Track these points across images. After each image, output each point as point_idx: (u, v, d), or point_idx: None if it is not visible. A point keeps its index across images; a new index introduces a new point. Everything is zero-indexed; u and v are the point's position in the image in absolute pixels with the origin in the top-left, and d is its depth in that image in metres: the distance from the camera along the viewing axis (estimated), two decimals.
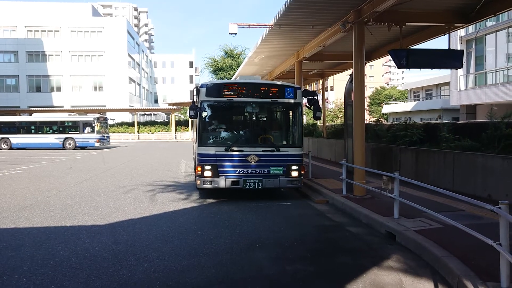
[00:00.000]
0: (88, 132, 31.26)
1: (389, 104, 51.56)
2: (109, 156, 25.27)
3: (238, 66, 37.36)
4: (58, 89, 56.91)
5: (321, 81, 23.89)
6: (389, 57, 13.09)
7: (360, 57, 9.89)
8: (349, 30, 10.30)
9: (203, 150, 9.55)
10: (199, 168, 9.54)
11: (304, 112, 14.24)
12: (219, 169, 9.43)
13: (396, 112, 46.05)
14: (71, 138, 31.29)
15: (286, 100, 9.86)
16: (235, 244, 6.46)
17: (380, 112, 52.65)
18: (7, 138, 31.53)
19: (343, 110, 12.69)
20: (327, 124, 25.00)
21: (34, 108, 49.24)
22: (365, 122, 11.08)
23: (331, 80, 61.70)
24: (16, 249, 6.10)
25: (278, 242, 6.62)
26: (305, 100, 10.37)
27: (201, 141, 9.66)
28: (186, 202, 9.80)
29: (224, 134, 10.22)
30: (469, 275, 4.58)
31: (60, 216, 8.29)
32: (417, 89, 48.92)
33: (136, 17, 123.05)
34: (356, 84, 9.84)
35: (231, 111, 10.43)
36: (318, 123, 24.45)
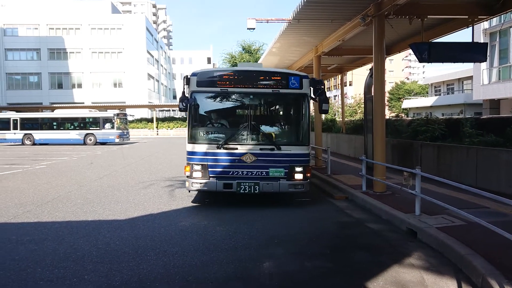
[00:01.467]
0: (108, 128, 31.73)
1: (410, 99, 50.80)
2: (129, 151, 25.59)
3: (256, 62, 37.30)
4: (79, 85, 57.88)
5: (339, 76, 23.64)
6: (409, 51, 12.86)
7: (380, 51, 9.73)
8: (369, 23, 10.14)
9: (193, 147, 8.62)
10: (187, 168, 8.64)
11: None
12: (209, 169, 8.45)
13: (417, 107, 45.35)
14: (92, 134, 31.80)
15: (290, 91, 8.62)
16: (253, 240, 6.45)
17: (400, 107, 51.91)
18: (30, 134, 32.25)
19: (362, 105, 12.52)
20: (346, 119, 24.76)
21: (56, 105, 50.22)
22: (385, 117, 10.90)
23: (349, 75, 61.07)
24: (39, 242, 6.22)
25: (297, 238, 6.59)
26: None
27: (191, 137, 8.69)
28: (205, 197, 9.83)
29: (216, 129, 9.12)
30: (494, 274, 4.47)
31: (81, 210, 8.42)
32: (438, 83, 48.03)
33: (154, 14, 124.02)
34: (376, 79, 9.69)
35: (225, 103, 9.22)
36: (337, 119, 24.23)
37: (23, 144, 32.13)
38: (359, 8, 10.35)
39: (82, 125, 32.24)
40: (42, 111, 43.42)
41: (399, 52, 15.74)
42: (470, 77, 34.10)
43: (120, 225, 7.31)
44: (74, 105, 51.09)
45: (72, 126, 32.35)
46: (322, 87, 8.82)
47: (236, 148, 8.42)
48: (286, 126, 9.66)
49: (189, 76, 8.68)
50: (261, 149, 8.43)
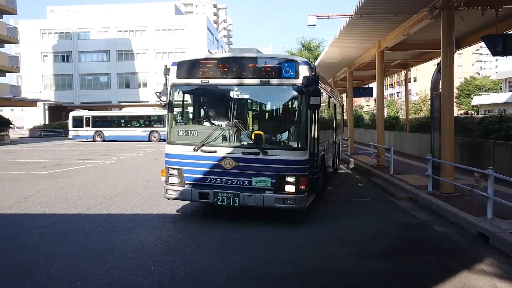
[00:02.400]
0: None
1: (480, 95, 47.83)
2: None
3: (316, 59, 36.91)
4: (145, 85, 60.51)
5: (404, 72, 22.75)
6: (481, 44, 12.09)
7: (449, 45, 9.23)
8: (436, 16, 9.65)
9: (170, 149, 7.54)
10: (163, 172, 7.60)
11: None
12: (185, 175, 7.31)
13: (488, 104, 42.65)
14: (156, 131, 33.15)
15: (282, 81, 6.96)
16: (313, 238, 6.41)
17: (470, 104, 49.05)
18: (101, 131, 34.25)
19: (428, 103, 11.94)
20: (409, 117, 23.81)
21: (123, 103, 52.90)
22: (454, 114, 10.32)
23: (414, 71, 58.62)
24: (109, 233, 6.60)
25: (358, 238, 6.45)
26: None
27: (169, 137, 7.63)
28: None
29: (194, 128, 7.70)
30: None
31: (147, 204, 8.81)
32: None
33: (215, 14, 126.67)
34: (445, 74, 9.21)
35: (206, 98, 8.14)
36: (400, 116, 23.37)
37: (94, 140, 34.19)
38: (426, 0, 9.88)
39: (147, 122, 33.72)
40: (111, 110, 45.95)
41: (470, 46, 14.85)
42: None
43: (183, 218, 7.56)
44: (140, 103, 53.54)
45: (138, 124, 33.92)
46: (314, 75, 6.79)
47: (215, 151, 7.12)
48: (277, 126, 7.87)
49: (168, 67, 7.67)
50: (243, 153, 7.00)
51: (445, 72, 9.22)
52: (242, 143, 7.15)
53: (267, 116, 8.28)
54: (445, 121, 9.19)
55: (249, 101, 7.81)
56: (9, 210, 8.30)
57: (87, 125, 34.61)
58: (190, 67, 7.51)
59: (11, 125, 42.48)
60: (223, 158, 7.04)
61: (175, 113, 7.78)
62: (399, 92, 62.82)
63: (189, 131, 7.60)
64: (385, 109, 37.11)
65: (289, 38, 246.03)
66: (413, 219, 7.70)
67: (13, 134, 43.17)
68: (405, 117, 22.63)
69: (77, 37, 60.25)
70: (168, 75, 7.60)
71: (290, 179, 6.80)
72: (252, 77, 7.10)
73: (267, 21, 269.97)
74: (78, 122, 34.92)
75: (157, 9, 63.21)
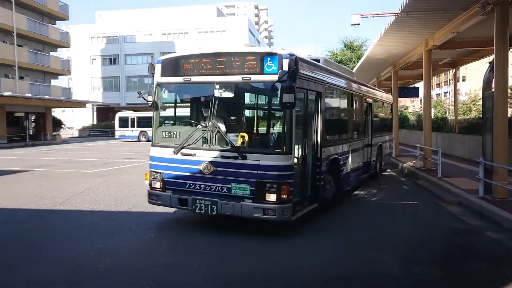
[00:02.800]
0: None
1: None
2: None
3: (359, 58, 36.26)
4: None
5: (452, 71, 21.90)
6: None
7: (503, 42, 8.77)
8: (489, 12, 9.20)
9: (154, 151, 7.19)
10: (147, 176, 7.24)
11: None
12: (165, 179, 6.91)
13: None
14: None
15: (265, 77, 6.25)
16: (358, 241, 6.29)
17: None
18: (145, 131, 35.24)
19: (478, 103, 11.42)
20: (459, 118, 22.88)
21: None
22: (508, 115, 9.80)
23: (462, 70, 56.41)
24: (154, 231, 6.80)
25: (405, 242, 6.27)
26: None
27: (154, 138, 7.40)
28: None
29: (176, 130, 7.30)
30: None
31: None
32: None
33: (256, 15, 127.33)
34: (498, 73, 8.76)
35: (189, 97, 7.75)
36: (448, 117, 22.50)
37: (139, 140, 35.25)
38: None
39: None
40: None
41: None
42: None
43: (223, 218, 7.60)
44: None
45: None
46: (290, 68, 5.92)
47: (194, 155, 6.61)
48: (259, 127, 7.52)
49: (153, 64, 7.28)
50: (221, 156, 6.44)
51: (499, 70, 8.78)
52: (221, 146, 6.57)
53: (248, 117, 7.82)
54: (498, 122, 8.75)
55: (230, 100, 7.12)
56: (61, 206, 8.71)
57: (132, 126, 35.74)
58: (173, 65, 7.09)
59: (62, 126, 44.58)
60: (202, 162, 6.52)
61: (159, 114, 7.51)
62: (447, 92, 60.57)
63: (170, 133, 7.25)
64: (432, 110, 35.94)
65: (331, 38, 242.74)
66: (463, 224, 7.38)
67: (64, 134, 45.34)
68: (453, 118, 21.77)
69: (123, 40, 62.38)
70: (154, 73, 7.22)
71: (270, 187, 6.09)
72: (233, 74, 6.50)
73: (309, 21, 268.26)
74: (124, 123, 36.14)
75: (200, 12, 64.34)
